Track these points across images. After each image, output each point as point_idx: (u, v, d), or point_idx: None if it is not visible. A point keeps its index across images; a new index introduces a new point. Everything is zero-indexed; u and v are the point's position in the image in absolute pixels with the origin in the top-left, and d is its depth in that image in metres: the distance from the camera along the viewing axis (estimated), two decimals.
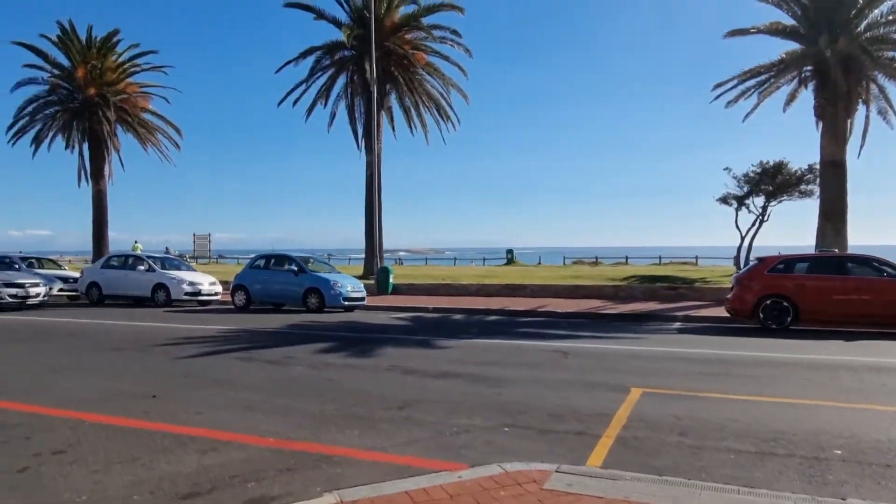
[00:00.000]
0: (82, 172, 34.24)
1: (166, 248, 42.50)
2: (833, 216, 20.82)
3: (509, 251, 43.58)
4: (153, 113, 35.81)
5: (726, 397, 6.85)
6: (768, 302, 12.77)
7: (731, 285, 14.16)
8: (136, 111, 34.78)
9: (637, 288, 20.24)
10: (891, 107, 21.66)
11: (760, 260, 13.92)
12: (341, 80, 27.98)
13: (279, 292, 18.35)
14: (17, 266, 23.24)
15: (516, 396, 6.90)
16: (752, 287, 13.12)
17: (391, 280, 22.66)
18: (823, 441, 5.20)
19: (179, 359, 9.52)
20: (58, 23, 32.71)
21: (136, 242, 40.98)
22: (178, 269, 21.29)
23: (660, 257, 40.56)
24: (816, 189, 22.35)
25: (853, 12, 20.50)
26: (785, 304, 12.64)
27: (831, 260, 13.35)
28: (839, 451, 4.94)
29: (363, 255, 30.03)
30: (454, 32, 27.12)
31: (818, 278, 12.78)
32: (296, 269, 18.25)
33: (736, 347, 10.56)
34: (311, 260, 19.40)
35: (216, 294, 20.43)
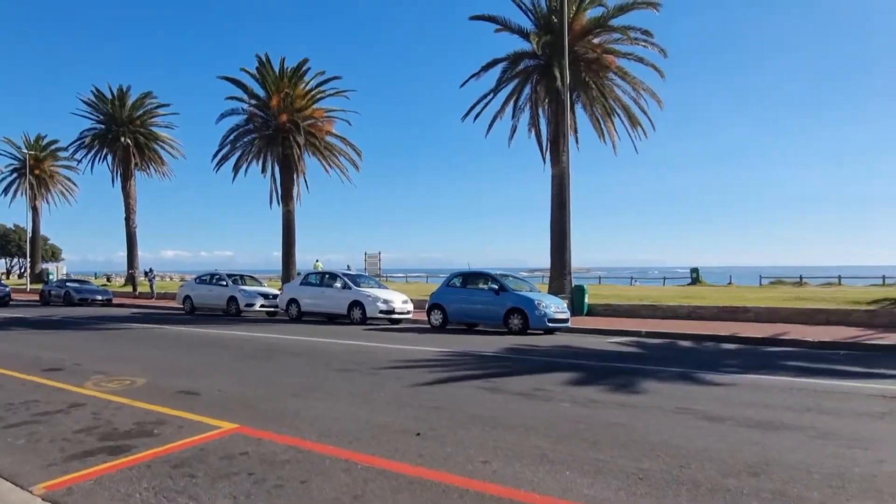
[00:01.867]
0: (274, 195, 36.32)
1: (348, 266, 44.02)
2: None
3: (694, 270, 39.89)
4: (336, 136, 37.25)
5: None
6: None
7: None
8: (321, 135, 36.33)
9: None
10: None
11: None
12: (525, 91, 26.94)
13: (478, 312, 17.37)
14: (224, 283, 24.60)
15: None
16: None
17: (586, 300, 20.94)
18: None
19: (416, 386, 8.55)
20: (256, 56, 35.14)
21: (317, 261, 42.76)
22: (372, 286, 21.17)
23: (883, 277, 34.82)
24: None
25: None
26: None
27: None
28: None
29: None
30: (645, 32, 25.04)
31: None
32: (496, 287, 17.17)
33: None
34: (510, 278, 18.25)
35: (408, 312, 19.96)
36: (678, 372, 9.81)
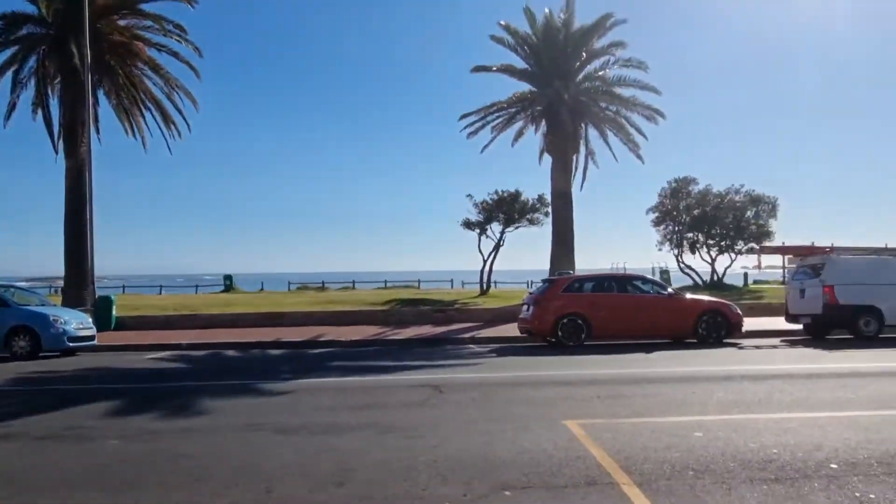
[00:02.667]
0: None
1: None
2: (563, 242, 23.47)
3: (227, 277, 39.63)
4: None
5: (670, 420, 6.58)
6: (565, 321, 13.43)
7: (524, 305, 14.64)
8: None
9: (406, 312, 19.89)
10: (611, 148, 25.46)
11: (551, 281, 14.70)
12: (29, 64, 22.16)
13: None
14: None
15: (458, 447, 5.63)
16: (549, 307, 13.68)
17: (114, 313, 18.45)
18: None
19: None
20: None
21: None
22: None
23: (385, 281, 41.35)
24: (542, 217, 25.04)
25: (577, 64, 23.69)
26: (580, 321, 13.44)
27: (612, 279, 14.74)
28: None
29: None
30: (179, 27, 23.61)
31: (605, 297, 13.94)
32: None
33: (589, 366, 10.90)
34: (12, 289, 14.58)
35: None
36: (236, 385, 9.30)
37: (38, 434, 6.37)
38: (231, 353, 14.01)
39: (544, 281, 15.42)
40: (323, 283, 40.84)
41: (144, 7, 23.22)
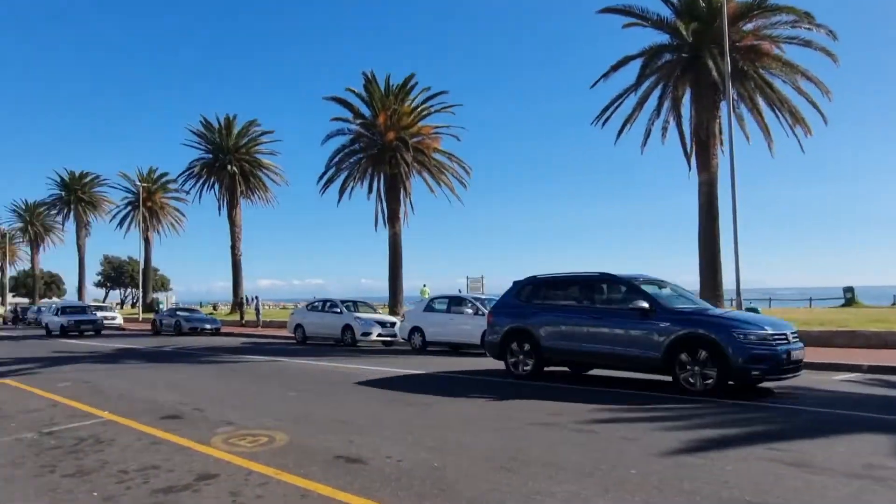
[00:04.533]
0: (380, 217, 34.83)
1: (459, 290, 41.83)
2: None
3: (849, 289, 34.75)
4: (443, 153, 35.45)
5: None
6: None
7: None
8: (429, 152, 34.63)
9: None
10: None
11: None
12: (667, 90, 23.84)
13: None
14: (338, 310, 22.83)
15: None
16: None
17: None
18: None
19: (678, 454, 5.77)
20: (363, 73, 34.04)
21: (424, 286, 40.87)
22: None
23: None
24: None
25: None
26: None
27: None
28: None
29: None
30: (807, 14, 21.42)
31: None
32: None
33: None
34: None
35: None
36: None
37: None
38: None
39: None
40: None
41: (771, 1, 22.05)
